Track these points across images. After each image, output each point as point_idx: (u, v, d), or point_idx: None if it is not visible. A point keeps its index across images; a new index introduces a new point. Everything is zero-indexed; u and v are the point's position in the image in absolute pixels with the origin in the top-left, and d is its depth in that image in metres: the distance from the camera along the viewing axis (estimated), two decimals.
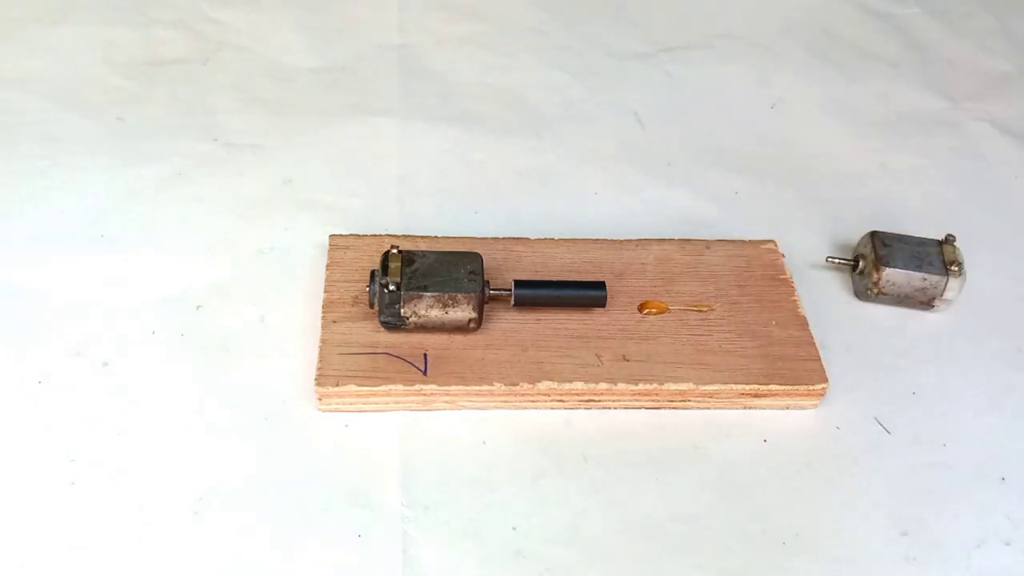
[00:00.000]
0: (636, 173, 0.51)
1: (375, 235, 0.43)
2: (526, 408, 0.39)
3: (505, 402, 0.38)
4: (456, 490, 0.36)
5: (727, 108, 0.56)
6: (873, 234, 0.44)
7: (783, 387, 0.38)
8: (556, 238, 0.44)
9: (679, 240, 0.45)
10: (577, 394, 0.38)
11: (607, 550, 0.34)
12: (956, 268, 0.43)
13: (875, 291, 0.44)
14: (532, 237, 0.44)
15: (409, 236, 0.43)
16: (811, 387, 0.39)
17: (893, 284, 0.43)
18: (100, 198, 0.47)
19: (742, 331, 0.40)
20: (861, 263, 0.45)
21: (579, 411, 0.39)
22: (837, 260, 0.45)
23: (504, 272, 0.42)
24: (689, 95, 0.57)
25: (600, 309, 0.40)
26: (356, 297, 0.40)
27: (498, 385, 0.37)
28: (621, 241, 0.44)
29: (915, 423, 0.40)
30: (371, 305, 0.38)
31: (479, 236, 0.44)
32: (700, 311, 0.41)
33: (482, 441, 0.38)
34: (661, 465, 0.37)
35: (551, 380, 0.38)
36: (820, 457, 0.38)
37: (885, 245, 0.44)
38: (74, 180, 0.48)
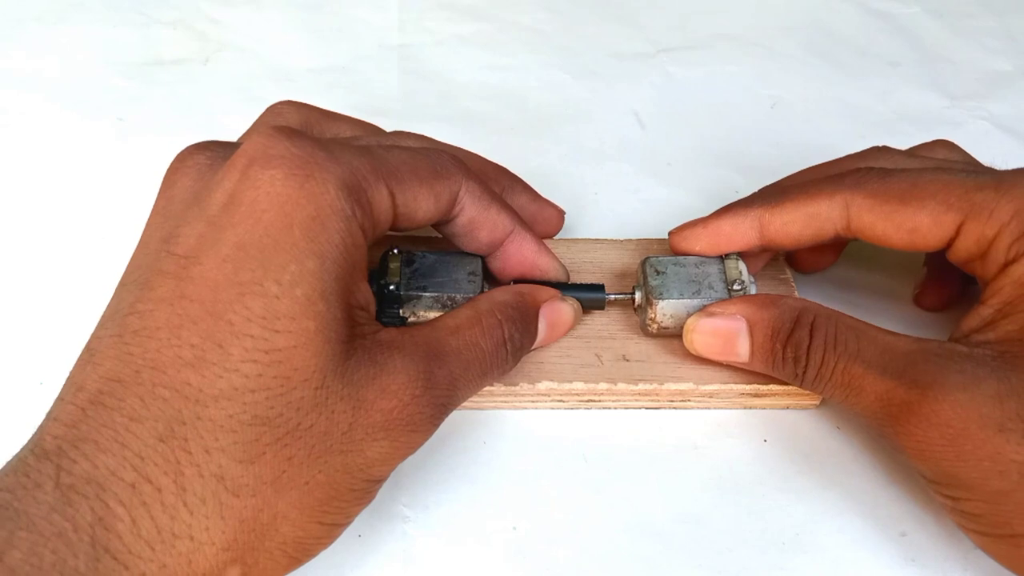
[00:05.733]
0: (636, 173, 0.51)
1: None
2: (526, 408, 0.39)
3: (505, 402, 0.38)
4: (456, 490, 0.36)
5: (727, 108, 0.56)
6: (644, 261, 0.39)
7: (783, 387, 0.38)
8: (556, 238, 0.44)
9: None
10: (577, 394, 0.38)
11: (607, 550, 0.34)
12: (739, 288, 0.37)
13: (654, 327, 0.38)
14: None
15: (409, 236, 0.43)
16: None
17: (672, 318, 0.37)
18: (100, 198, 0.47)
19: None
20: (638, 296, 0.39)
21: (579, 411, 0.39)
22: (614, 297, 0.39)
23: None
24: (689, 95, 0.57)
25: (600, 309, 0.40)
26: None
27: (498, 385, 0.37)
28: (621, 241, 0.44)
29: None
30: None
31: None
32: None
33: (482, 441, 0.38)
34: (661, 465, 0.37)
35: (551, 380, 0.38)
36: (820, 457, 0.38)
37: (658, 273, 0.38)
38: (74, 180, 0.48)
